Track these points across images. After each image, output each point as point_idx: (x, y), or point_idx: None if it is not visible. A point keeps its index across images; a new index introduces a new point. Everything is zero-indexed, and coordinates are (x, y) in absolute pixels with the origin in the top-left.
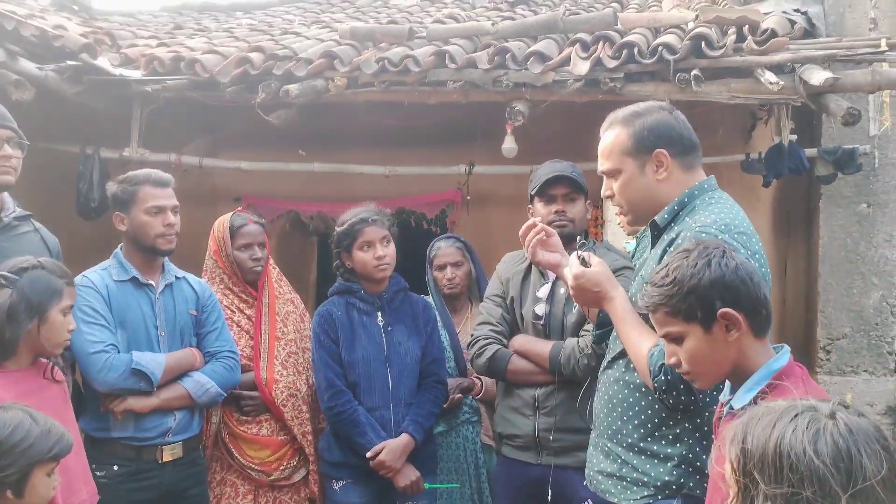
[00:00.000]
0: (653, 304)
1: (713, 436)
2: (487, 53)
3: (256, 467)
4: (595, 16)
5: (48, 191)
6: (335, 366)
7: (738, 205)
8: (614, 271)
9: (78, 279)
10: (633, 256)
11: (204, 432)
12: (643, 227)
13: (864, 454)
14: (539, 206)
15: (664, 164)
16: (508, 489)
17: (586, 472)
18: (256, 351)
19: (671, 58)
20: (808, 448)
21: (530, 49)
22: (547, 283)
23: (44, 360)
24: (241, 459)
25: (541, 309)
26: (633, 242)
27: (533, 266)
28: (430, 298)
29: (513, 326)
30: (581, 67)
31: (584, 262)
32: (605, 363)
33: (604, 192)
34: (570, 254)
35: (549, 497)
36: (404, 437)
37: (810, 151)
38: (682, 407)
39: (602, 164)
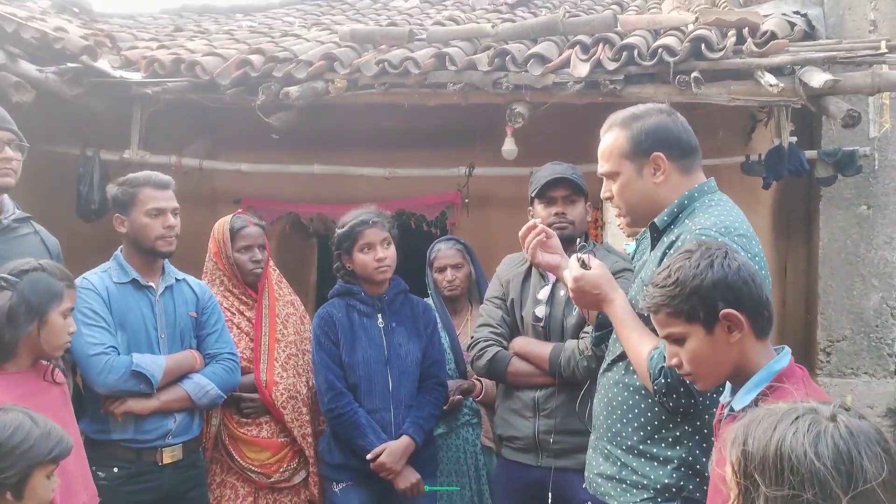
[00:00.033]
0: (655, 304)
1: (713, 438)
2: (487, 55)
3: (256, 469)
4: (595, 18)
5: (48, 193)
6: (335, 368)
7: (737, 207)
8: (614, 273)
9: (78, 281)
10: (632, 258)
11: (204, 434)
12: (643, 229)
13: (864, 456)
14: (539, 208)
15: (661, 168)
16: (508, 491)
17: (585, 474)
18: (256, 353)
19: (671, 60)
20: (808, 450)
21: (530, 51)
22: (547, 285)
23: (44, 363)
24: (241, 461)
25: (541, 311)
26: (632, 244)
27: (533, 268)
28: (430, 300)
29: (513, 328)
30: (581, 69)
31: (583, 265)
32: (604, 365)
33: (603, 193)
34: (570, 256)
35: (550, 499)
36: (405, 440)
37: (810, 153)
38: (681, 410)
39: (601, 166)
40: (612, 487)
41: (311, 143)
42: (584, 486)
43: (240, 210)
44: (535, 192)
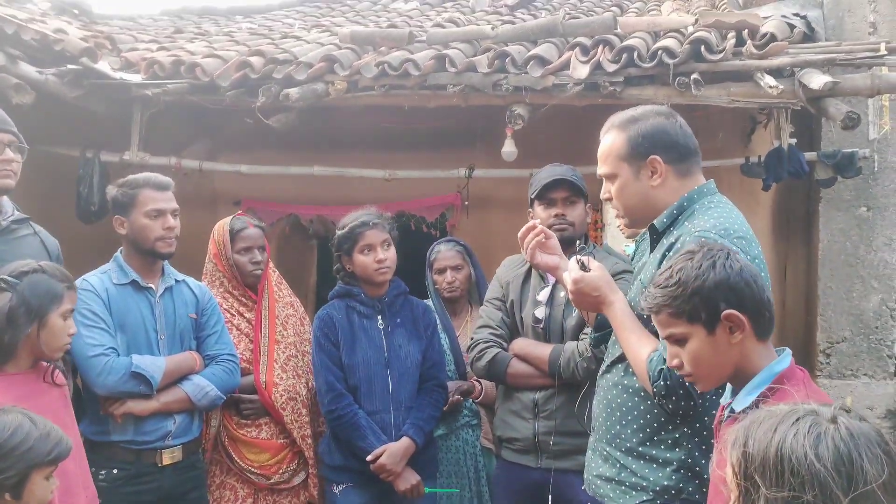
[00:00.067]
0: (656, 305)
1: (713, 440)
2: (487, 57)
3: (256, 471)
4: (595, 20)
5: (48, 194)
6: (335, 369)
7: (737, 209)
8: (614, 275)
9: (78, 282)
10: (632, 260)
11: (203, 435)
12: (642, 231)
13: (865, 458)
14: (539, 209)
15: (658, 171)
16: (508, 493)
17: (584, 476)
18: (256, 354)
19: (671, 62)
20: (809, 452)
21: (530, 53)
22: (547, 286)
23: (44, 364)
24: (241, 463)
25: (541, 312)
26: (632, 246)
27: (533, 269)
28: (429, 302)
29: (513, 330)
30: (581, 71)
31: (583, 267)
32: (603, 367)
33: (603, 194)
34: (569, 257)
35: (550, 501)
36: (405, 441)
37: (810, 155)
38: (681, 412)
39: (600, 167)
40: (611, 489)
41: (310, 144)
42: (583, 487)
43: (239, 211)
44: (534, 193)
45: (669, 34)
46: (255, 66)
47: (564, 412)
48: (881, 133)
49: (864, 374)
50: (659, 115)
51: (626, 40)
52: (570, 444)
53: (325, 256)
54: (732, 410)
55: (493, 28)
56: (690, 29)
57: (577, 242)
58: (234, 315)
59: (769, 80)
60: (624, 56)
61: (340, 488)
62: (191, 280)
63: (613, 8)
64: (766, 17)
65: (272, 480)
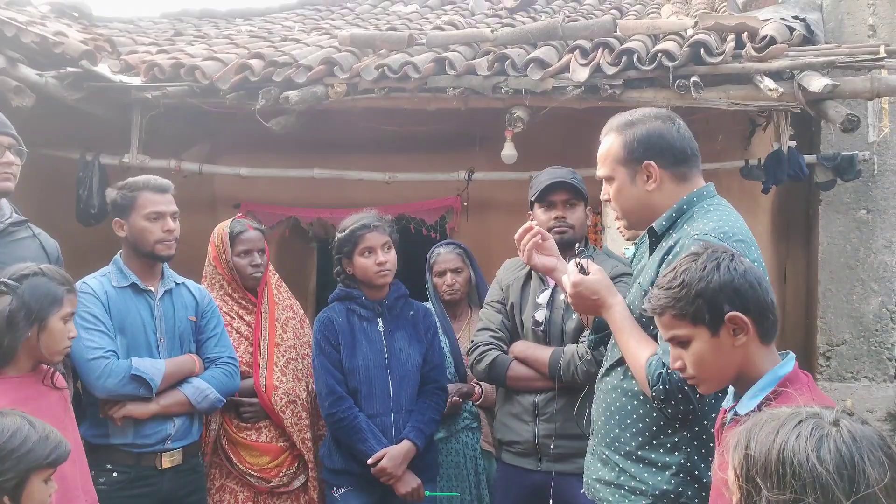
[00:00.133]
0: (660, 306)
1: (712, 444)
2: (487, 60)
3: (256, 474)
4: (594, 23)
5: (48, 197)
6: (336, 372)
7: (736, 212)
8: (614, 278)
9: (77, 285)
10: (631, 262)
11: (203, 439)
12: (642, 233)
13: (867, 461)
14: (539, 212)
15: (653, 176)
16: (508, 496)
17: (584, 479)
18: (256, 357)
19: (670, 64)
20: (811, 455)
21: (530, 55)
22: (547, 289)
23: (44, 367)
24: (241, 466)
25: (541, 315)
26: (632, 248)
27: (533, 272)
28: (429, 305)
29: (513, 332)
30: (580, 74)
31: (582, 270)
32: (602, 370)
33: (602, 195)
34: (569, 260)
35: None
36: (405, 444)
37: (809, 158)
38: (680, 416)
39: (599, 169)
40: (610, 493)
41: (310, 147)
42: (582, 491)
43: (239, 214)
44: (535, 196)
45: (669, 37)
46: (255, 68)
47: (564, 415)
48: (881, 136)
49: (865, 377)
50: (657, 119)
51: (625, 43)
52: (570, 447)
53: (325, 259)
54: (736, 413)
55: (492, 31)
56: (690, 32)
57: (577, 245)
58: (233, 318)
59: (769, 82)
60: (623, 59)
61: (341, 492)
62: (190, 283)
63: (613, 11)
64: (765, 20)
65: (272, 484)
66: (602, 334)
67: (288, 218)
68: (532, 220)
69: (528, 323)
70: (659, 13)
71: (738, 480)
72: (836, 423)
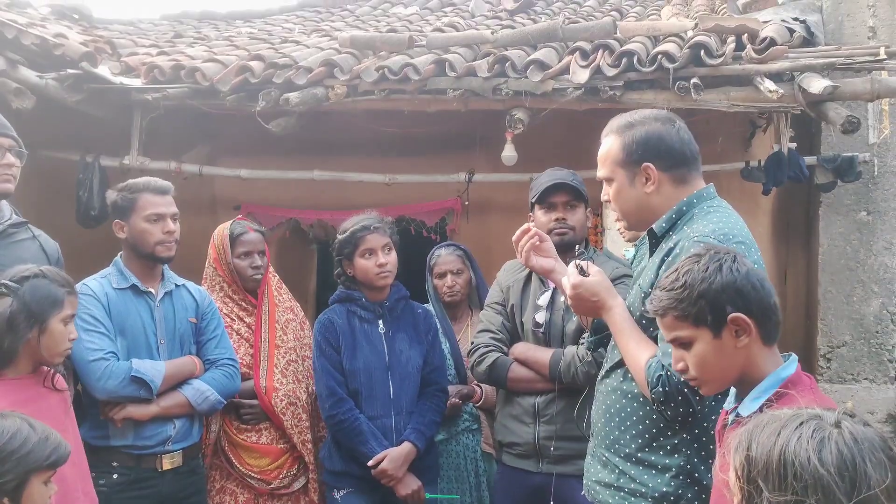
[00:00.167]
0: (662, 307)
1: (712, 446)
2: (487, 62)
3: (256, 476)
4: (594, 24)
5: (48, 198)
6: (336, 374)
7: (736, 213)
8: (614, 280)
9: (78, 287)
10: (631, 264)
11: (203, 440)
12: (642, 235)
13: (868, 463)
14: (539, 213)
15: (651, 178)
16: (509, 498)
17: (584, 481)
18: (256, 359)
19: (670, 66)
20: (812, 456)
21: (530, 57)
22: (547, 290)
23: (45, 369)
24: (241, 468)
25: (541, 317)
26: (632, 250)
27: (533, 274)
28: (430, 306)
29: (513, 334)
30: (581, 76)
31: (582, 272)
32: (602, 372)
33: (602, 196)
34: (570, 262)
35: None
36: (406, 446)
37: (810, 159)
38: (679, 418)
39: (599, 170)
40: (610, 495)
41: (310, 149)
42: (582, 493)
43: (239, 216)
44: (535, 197)
45: (669, 39)
46: (255, 70)
47: (565, 417)
48: (881, 137)
49: (865, 379)
50: (657, 121)
51: (625, 45)
52: (570, 448)
53: (326, 261)
54: (738, 415)
55: (492, 32)
56: (690, 33)
57: (577, 247)
58: (234, 320)
59: (769, 84)
60: (624, 60)
61: (341, 494)
62: (191, 284)
63: (613, 13)
64: (765, 22)
65: (272, 486)
66: (601, 336)
67: (288, 220)
68: (532, 221)
69: (528, 324)
70: (659, 15)
71: (740, 482)
72: (837, 424)
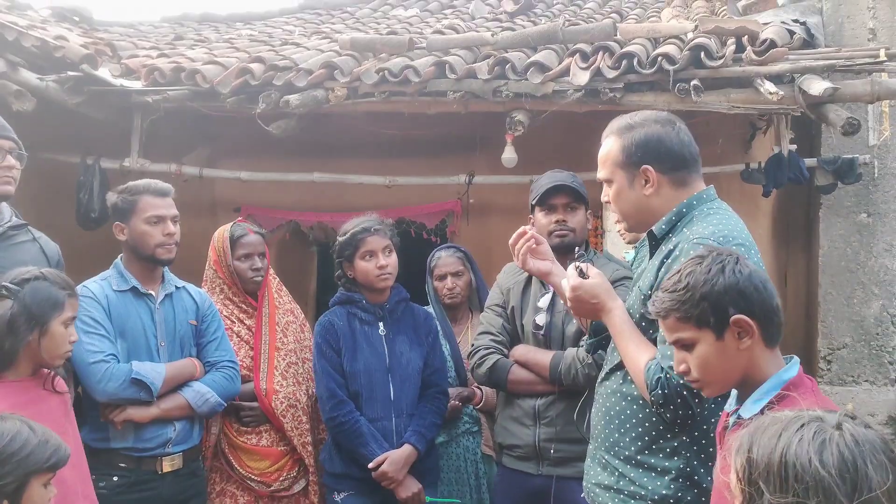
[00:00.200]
0: (664, 309)
1: (712, 449)
2: (487, 64)
3: (256, 478)
4: (595, 26)
5: (48, 200)
6: (337, 376)
7: (736, 215)
8: (614, 281)
9: (78, 289)
10: (631, 266)
11: (203, 443)
12: (642, 236)
13: (869, 465)
14: (540, 215)
15: (650, 181)
16: (509, 500)
17: (584, 484)
18: (256, 361)
19: (670, 68)
20: (813, 458)
21: (530, 59)
22: (547, 293)
23: (45, 371)
24: (241, 470)
25: (541, 319)
26: (632, 252)
27: (534, 276)
28: (430, 308)
29: (513, 336)
30: (581, 78)
31: (581, 274)
32: (602, 374)
33: (603, 197)
34: (570, 264)
35: None
36: (406, 448)
37: (810, 161)
38: (679, 421)
39: (599, 172)
40: (609, 498)
41: (311, 151)
42: (582, 495)
43: (240, 218)
44: (535, 199)
45: (669, 41)
46: (256, 72)
47: (565, 419)
48: (881, 139)
49: (866, 381)
50: (657, 123)
51: (625, 47)
52: (571, 451)
53: (326, 263)
54: (739, 417)
55: (492, 35)
56: (690, 35)
57: (577, 249)
58: (234, 322)
59: (769, 86)
60: (624, 62)
61: (342, 496)
62: (191, 286)
63: (613, 15)
64: (765, 24)
65: (272, 488)
66: (599, 338)
67: (288, 222)
68: (532, 223)
69: (528, 327)
70: (659, 17)
71: (741, 484)
72: (838, 426)
